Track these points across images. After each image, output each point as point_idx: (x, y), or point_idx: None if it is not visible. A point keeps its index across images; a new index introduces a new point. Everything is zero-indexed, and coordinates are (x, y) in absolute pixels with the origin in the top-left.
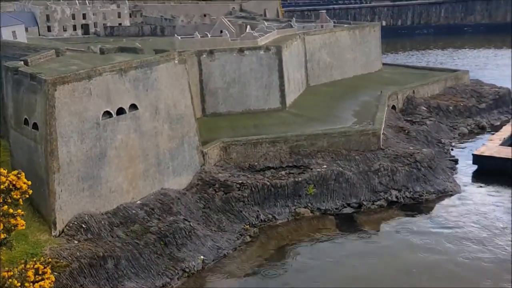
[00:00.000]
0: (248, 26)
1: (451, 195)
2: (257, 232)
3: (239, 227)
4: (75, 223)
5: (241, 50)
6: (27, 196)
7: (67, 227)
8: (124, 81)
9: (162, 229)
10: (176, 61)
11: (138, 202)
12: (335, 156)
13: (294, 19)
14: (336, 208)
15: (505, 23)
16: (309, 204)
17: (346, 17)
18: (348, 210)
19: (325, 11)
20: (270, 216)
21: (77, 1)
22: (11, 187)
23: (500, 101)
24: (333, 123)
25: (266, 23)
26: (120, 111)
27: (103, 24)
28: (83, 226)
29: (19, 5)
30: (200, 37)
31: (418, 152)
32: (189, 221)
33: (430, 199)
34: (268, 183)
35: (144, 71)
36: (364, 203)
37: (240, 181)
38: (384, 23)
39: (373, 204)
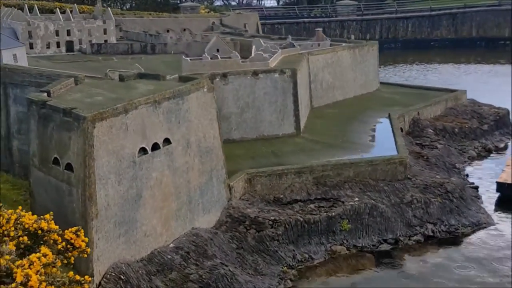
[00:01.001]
0: (254, 46)
1: (485, 227)
2: (296, 274)
3: (277, 269)
4: (113, 274)
5: (255, 73)
6: (85, 255)
7: (104, 279)
8: (158, 113)
9: (203, 276)
10: (205, 90)
11: (172, 245)
12: (364, 187)
13: (290, 37)
14: (373, 245)
15: (470, 38)
16: (345, 241)
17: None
18: (385, 246)
19: (321, 29)
20: (307, 256)
21: (60, 17)
22: (68, 246)
23: (500, 122)
24: (353, 150)
25: (261, 41)
26: (155, 147)
27: (89, 41)
28: (122, 277)
29: None
30: (210, 58)
31: (448, 182)
32: (227, 266)
33: (465, 232)
34: (301, 219)
35: (177, 101)
36: (401, 238)
37: (273, 218)
38: (353, 37)
39: (409, 239)
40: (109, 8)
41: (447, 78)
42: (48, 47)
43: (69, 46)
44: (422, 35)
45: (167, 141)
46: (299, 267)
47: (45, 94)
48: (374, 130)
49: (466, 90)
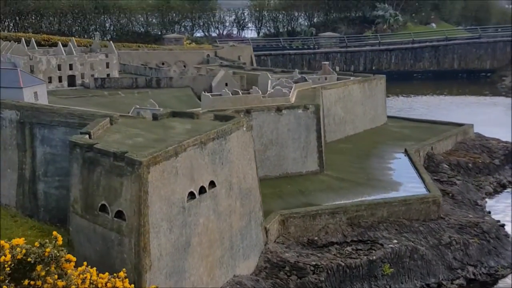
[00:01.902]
0: (270, 81)
1: None
2: None
3: None
4: None
5: (278, 109)
6: None
7: None
8: (204, 155)
9: None
10: (244, 129)
11: None
12: (399, 228)
13: (297, 70)
14: None
15: (452, 70)
16: (387, 287)
17: (301, 62)
18: None
19: (328, 62)
20: None
21: (62, 50)
22: None
23: (510, 157)
24: (382, 189)
25: (269, 74)
26: (201, 190)
27: (91, 76)
28: None
29: None
30: (231, 94)
31: (483, 222)
32: None
33: (505, 274)
34: (343, 264)
35: (220, 142)
36: (444, 282)
37: (314, 263)
38: (337, 68)
39: (452, 283)
40: (111, 42)
41: (437, 111)
42: (50, 82)
43: (71, 81)
44: (405, 67)
45: (212, 184)
46: None
47: (87, 136)
48: (394, 166)
49: (473, 124)
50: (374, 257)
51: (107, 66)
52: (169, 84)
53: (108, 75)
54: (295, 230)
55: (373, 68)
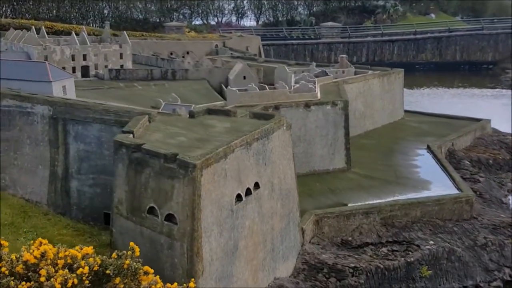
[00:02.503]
0: (292, 75)
1: None
2: None
3: None
4: None
5: (307, 105)
6: None
7: None
8: (249, 156)
9: None
10: (285, 128)
11: None
12: (433, 228)
13: (314, 63)
14: None
15: (454, 62)
16: None
17: (303, 52)
18: None
19: (345, 56)
20: None
21: (76, 40)
22: None
23: None
24: (412, 187)
25: (286, 67)
26: (247, 192)
27: (105, 66)
28: None
29: (4, 44)
30: (259, 89)
31: None
32: None
33: None
34: (382, 266)
35: (263, 142)
36: (481, 284)
37: (352, 265)
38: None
39: (489, 285)
40: (125, 32)
41: (443, 104)
42: None
43: (85, 71)
44: (408, 58)
45: (256, 185)
46: None
47: (131, 135)
48: (419, 163)
49: (490, 119)
50: (411, 259)
51: (121, 57)
52: (185, 76)
53: (121, 66)
54: (329, 230)
55: (375, 59)
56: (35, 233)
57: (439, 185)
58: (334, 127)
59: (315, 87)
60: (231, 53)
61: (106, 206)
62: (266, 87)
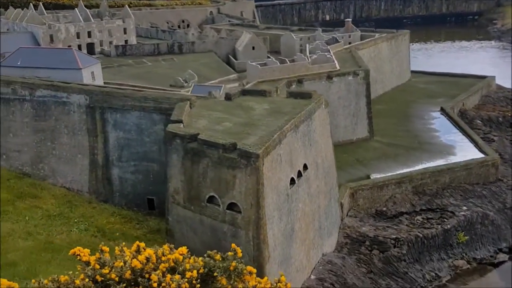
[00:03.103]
0: (307, 45)
1: None
2: None
3: None
4: None
5: (329, 77)
6: None
7: None
8: (297, 138)
9: None
10: (323, 106)
11: (313, 277)
12: (463, 193)
13: (320, 29)
14: (490, 256)
15: (440, 14)
16: (464, 255)
17: (291, 13)
18: (502, 256)
19: (350, 20)
20: (433, 274)
21: (80, 17)
22: None
23: None
24: (437, 153)
25: (293, 35)
26: (299, 175)
27: (110, 42)
28: None
29: (5, 24)
30: (280, 63)
31: None
32: None
33: None
34: (421, 235)
35: (308, 123)
36: None
37: (394, 236)
38: (328, 17)
39: None
40: (127, 6)
41: (437, 59)
42: None
43: (90, 49)
44: (395, 13)
45: (305, 166)
46: (431, 287)
47: (181, 124)
48: (437, 127)
49: (495, 76)
50: (448, 226)
51: (125, 32)
52: (191, 49)
53: (126, 41)
54: (363, 202)
55: (363, 15)
56: (86, 223)
57: (462, 149)
58: (356, 97)
59: (332, 57)
60: (229, 20)
61: (149, 192)
62: (287, 60)
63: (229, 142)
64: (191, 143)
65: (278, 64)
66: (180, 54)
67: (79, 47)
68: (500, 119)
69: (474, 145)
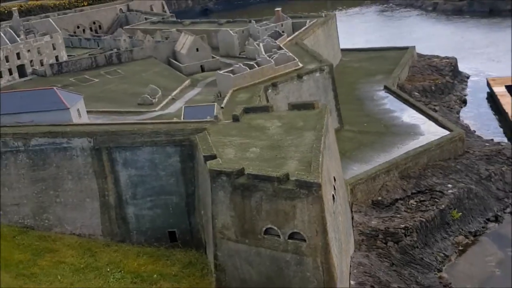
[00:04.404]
0: (261, 44)
1: None
2: (449, 278)
3: (433, 276)
4: None
5: (299, 76)
6: None
7: None
8: (326, 154)
9: None
10: (330, 114)
11: (352, 282)
12: (443, 171)
13: (253, 21)
14: (482, 227)
15: None
16: (461, 230)
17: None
18: (492, 226)
19: (280, 8)
20: (442, 255)
21: (6, 39)
22: None
23: (455, 72)
24: (406, 134)
25: (230, 31)
26: (334, 189)
27: (40, 61)
28: None
29: None
30: (249, 69)
31: (503, 148)
32: None
33: None
34: (424, 219)
35: (327, 135)
36: (499, 213)
37: (403, 225)
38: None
39: (504, 212)
40: (50, 19)
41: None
42: (0, 77)
43: (22, 71)
44: None
45: (334, 179)
46: (444, 268)
47: (216, 159)
48: (391, 107)
49: (415, 46)
50: (442, 206)
51: (54, 48)
52: (130, 57)
53: (56, 57)
54: (361, 195)
55: None
56: (118, 270)
57: (426, 127)
58: (324, 92)
59: (292, 55)
60: (145, 18)
61: (169, 225)
62: (254, 64)
63: (282, 174)
64: (239, 179)
65: (248, 69)
66: (119, 64)
67: (10, 71)
68: (433, 87)
69: (434, 122)
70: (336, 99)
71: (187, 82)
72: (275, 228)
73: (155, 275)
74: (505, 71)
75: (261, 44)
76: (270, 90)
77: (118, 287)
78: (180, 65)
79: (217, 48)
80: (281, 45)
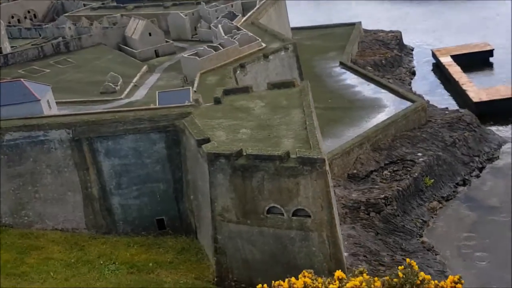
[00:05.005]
0: (220, 28)
1: (506, 142)
2: (430, 242)
3: (416, 242)
4: None
5: (265, 56)
6: None
7: None
8: (317, 130)
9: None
10: (309, 90)
11: (346, 254)
12: (410, 140)
13: (203, 3)
14: (453, 192)
15: None
16: (434, 196)
17: None
18: (461, 189)
19: None
20: (421, 221)
21: None
22: None
23: (401, 45)
24: (370, 108)
25: (181, 13)
26: None
27: None
28: None
29: None
30: (215, 51)
31: (463, 115)
32: (392, 255)
33: (495, 155)
34: (400, 188)
35: (313, 112)
36: (466, 177)
37: (382, 195)
38: None
39: (471, 176)
40: None
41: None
42: None
43: None
44: None
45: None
46: (424, 233)
47: (213, 142)
48: (350, 82)
49: (361, 21)
50: (416, 174)
51: None
52: (79, 45)
53: (0, 49)
54: (338, 169)
55: None
56: (111, 262)
57: (388, 99)
58: (290, 70)
59: (254, 35)
60: (83, 4)
61: (157, 213)
62: (219, 46)
63: (283, 152)
64: (238, 160)
65: (213, 51)
66: (68, 52)
67: None
68: (383, 61)
69: (395, 94)
70: (301, 77)
71: (144, 68)
72: (278, 206)
73: (151, 264)
74: (447, 42)
75: (219, 26)
76: (238, 71)
77: (115, 278)
78: (134, 51)
79: (167, 32)
80: (238, 26)
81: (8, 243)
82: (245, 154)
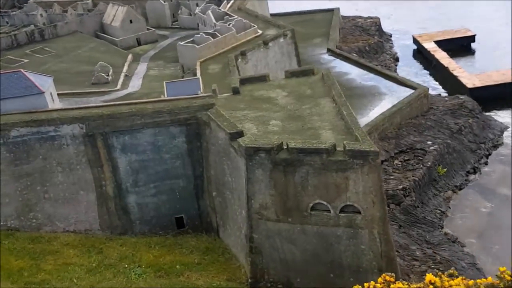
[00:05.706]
0: (211, 14)
1: (507, 127)
2: (452, 233)
3: (439, 234)
4: None
5: (265, 43)
6: None
7: None
8: None
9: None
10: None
11: None
12: (416, 128)
13: None
14: (465, 180)
15: None
16: (448, 185)
17: None
18: (473, 177)
19: None
20: (439, 212)
21: None
22: None
23: (380, 30)
24: (372, 95)
25: (162, 1)
26: None
27: None
28: None
29: None
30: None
31: (464, 101)
32: (420, 248)
33: (500, 141)
34: (416, 178)
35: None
36: (475, 165)
37: (400, 186)
38: None
39: (479, 164)
40: None
41: None
42: None
43: None
44: None
45: None
46: (444, 224)
47: (250, 136)
48: (344, 69)
49: (339, 7)
50: (429, 164)
51: None
52: (54, 33)
53: None
54: None
55: None
56: (136, 266)
57: (387, 87)
58: (288, 57)
59: (248, 21)
60: None
61: (176, 211)
62: (217, 33)
63: (330, 145)
64: (279, 154)
65: (211, 39)
66: (43, 41)
67: None
68: (367, 48)
69: (392, 81)
70: (299, 64)
71: (129, 57)
72: (324, 203)
73: (178, 266)
74: (425, 28)
75: (209, 12)
76: (240, 59)
77: (143, 283)
78: (114, 39)
79: (146, 20)
80: (227, 12)
81: (18, 248)
82: (286, 147)
